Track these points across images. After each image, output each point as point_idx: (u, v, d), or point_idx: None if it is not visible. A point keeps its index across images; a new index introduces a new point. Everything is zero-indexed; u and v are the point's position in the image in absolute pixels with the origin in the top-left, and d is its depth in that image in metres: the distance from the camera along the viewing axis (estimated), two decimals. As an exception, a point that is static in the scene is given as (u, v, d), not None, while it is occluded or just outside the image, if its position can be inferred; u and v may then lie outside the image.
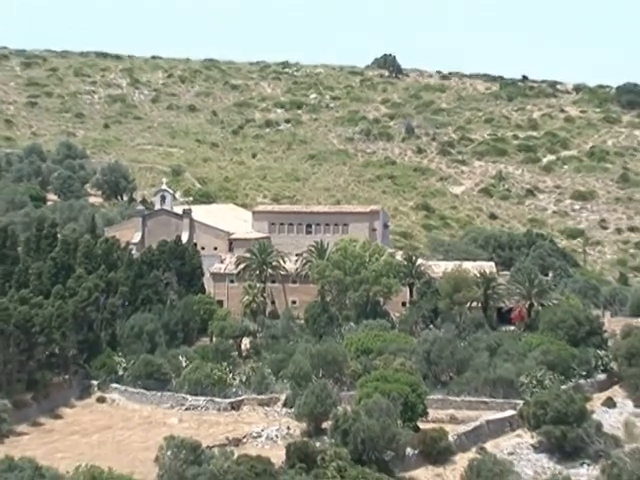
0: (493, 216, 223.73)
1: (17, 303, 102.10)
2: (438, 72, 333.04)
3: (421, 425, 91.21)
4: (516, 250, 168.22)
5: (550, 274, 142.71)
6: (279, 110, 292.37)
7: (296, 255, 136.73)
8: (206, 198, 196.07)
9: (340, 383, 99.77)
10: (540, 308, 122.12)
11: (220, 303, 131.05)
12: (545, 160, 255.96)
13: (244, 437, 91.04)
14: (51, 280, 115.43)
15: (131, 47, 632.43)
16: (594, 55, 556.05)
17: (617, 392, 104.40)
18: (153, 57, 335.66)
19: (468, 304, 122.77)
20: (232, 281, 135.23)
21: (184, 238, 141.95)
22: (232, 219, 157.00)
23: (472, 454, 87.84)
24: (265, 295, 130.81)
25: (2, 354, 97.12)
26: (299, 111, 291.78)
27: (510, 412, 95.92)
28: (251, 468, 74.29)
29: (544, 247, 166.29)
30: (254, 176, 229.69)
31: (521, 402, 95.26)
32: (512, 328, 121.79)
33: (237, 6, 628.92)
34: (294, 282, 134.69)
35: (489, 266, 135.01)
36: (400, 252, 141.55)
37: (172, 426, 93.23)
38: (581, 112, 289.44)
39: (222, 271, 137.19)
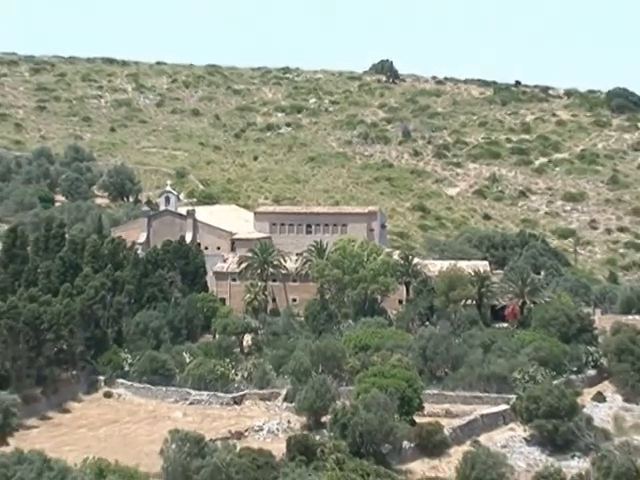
0: (487, 217, 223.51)
1: (26, 301, 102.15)
2: (434, 77, 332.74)
3: (417, 419, 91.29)
4: (509, 250, 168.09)
5: (542, 273, 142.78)
6: (280, 114, 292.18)
7: (296, 254, 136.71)
8: (209, 199, 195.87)
9: (339, 378, 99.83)
10: (532, 306, 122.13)
11: (223, 301, 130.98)
12: (537, 162, 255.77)
13: (246, 430, 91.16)
14: (59, 279, 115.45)
15: (136, 53, 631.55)
16: (585, 61, 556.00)
17: (607, 387, 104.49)
18: (158, 63, 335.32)
19: (463, 302, 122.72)
20: (234, 280, 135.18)
21: (188, 238, 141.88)
22: (234, 220, 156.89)
23: (467, 447, 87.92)
24: (266, 293, 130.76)
25: (12, 350, 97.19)
26: (299, 115, 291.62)
27: (503, 406, 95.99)
28: (253, 460, 74.27)
29: (536, 247, 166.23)
30: (256, 178, 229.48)
31: (514, 397, 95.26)
32: (505, 325, 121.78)
33: (239, 14, 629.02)
34: (294, 281, 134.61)
35: (483, 265, 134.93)
36: (397, 252, 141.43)
37: (176, 420, 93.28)
38: (572, 116, 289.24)
39: (225, 270, 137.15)
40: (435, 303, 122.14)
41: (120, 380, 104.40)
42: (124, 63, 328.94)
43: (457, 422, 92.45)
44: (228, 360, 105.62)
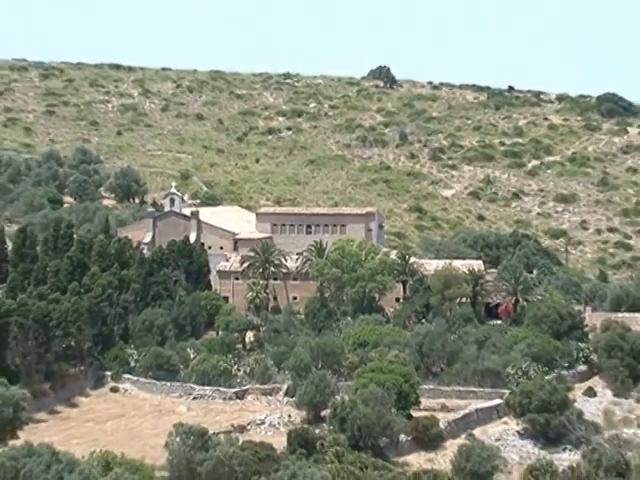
0: (481, 217, 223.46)
1: (36, 299, 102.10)
2: (430, 83, 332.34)
3: (414, 413, 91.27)
4: (503, 249, 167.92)
5: (535, 272, 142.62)
6: (281, 118, 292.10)
7: (297, 254, 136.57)
8: (212, 201, 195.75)
9: (338, 374, 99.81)
10: (525, 304, 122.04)
11: (226, 299, 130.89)
12: (530, 165, 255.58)
13: (248, 424, 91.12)
14: (67, 277, 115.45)
15: (142, 59, 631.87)
16: (576, 67, 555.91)
17: (597, 382, 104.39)
18: (163, 69, 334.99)
19: (458, 300, 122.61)
20: (237, 278, 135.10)
21: (192, 238, 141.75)
22: (237, 220, 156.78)
23: (462, 440, 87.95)
24: (268, 291, 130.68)
25: (22, 347, 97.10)
26: (299, 119, 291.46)
27: (497, 401, 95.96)
28: (255, 453, 74.21)
29: (529, 246, 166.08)
30: (257, 180, 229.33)
31: (507, 392, 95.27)
32: (499, 322, 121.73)
33: (242, 22, 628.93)
34: (295, 279, 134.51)
35: (477, 264, 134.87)
36: (394, 251, 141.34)
37: (181, 414, 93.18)
38: (563, 120, 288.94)
39: (227, 269, 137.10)
40: (431, 301, 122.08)
41: (126, 375, 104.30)
42: (130, 69, 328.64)
43: (452, 416, 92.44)
44: (231, 356, 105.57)
